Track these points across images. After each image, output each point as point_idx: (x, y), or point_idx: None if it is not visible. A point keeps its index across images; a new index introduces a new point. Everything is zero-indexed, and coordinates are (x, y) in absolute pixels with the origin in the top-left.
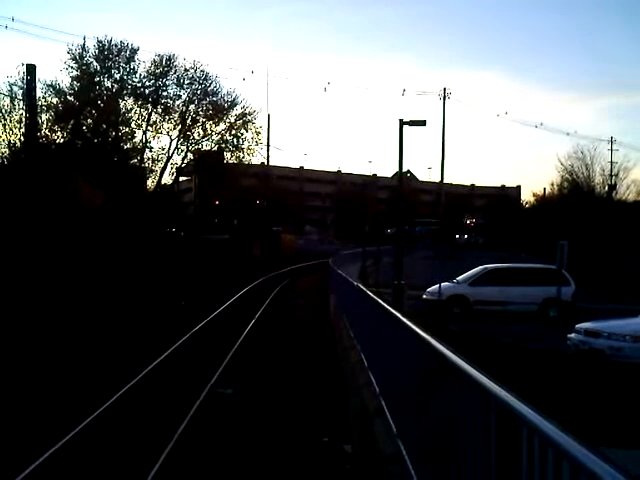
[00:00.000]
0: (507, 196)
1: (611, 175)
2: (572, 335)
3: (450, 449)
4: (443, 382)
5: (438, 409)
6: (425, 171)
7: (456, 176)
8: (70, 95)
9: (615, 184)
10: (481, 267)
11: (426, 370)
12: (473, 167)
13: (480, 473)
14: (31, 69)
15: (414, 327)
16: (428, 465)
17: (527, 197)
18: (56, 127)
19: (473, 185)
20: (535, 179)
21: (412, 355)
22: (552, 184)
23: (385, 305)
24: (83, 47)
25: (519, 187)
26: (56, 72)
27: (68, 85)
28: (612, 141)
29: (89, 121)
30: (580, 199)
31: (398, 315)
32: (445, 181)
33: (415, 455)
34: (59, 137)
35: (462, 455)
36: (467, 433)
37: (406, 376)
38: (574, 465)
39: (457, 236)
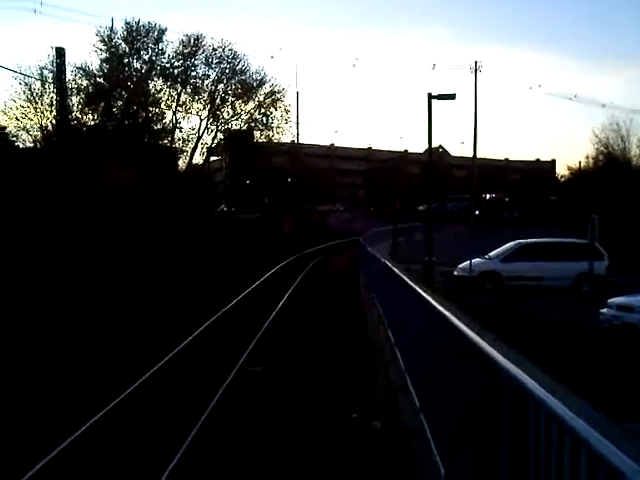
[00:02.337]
0: (542, 170)
1: None
2: (604, 310)
3: (466, 422)
4: (460, 357)
5: (455, 384)
6: (458, 146)
7: (490, 150)
8: (100, 77)
9: None
10: (514, 242)
11: (444, 345)
12: (507, 141)
13: (492, 444)
14: (61, 52)
15: (432, 300)
16: (446, 438)
17: (562, 171)
18: (87, 109)
19: (507, 159)
20: (570, 152)
21: (432, 330)
22: (587, 157)
23: (408, 280)
24: (111, 29)
25: (554, 161)
26: (85, 55)
27: (97, 67)
28: None
29: (119, 103)
30: (616, 172)
31: (418, 289)
32: (478, 156)
33: (435, 428)
34: (90, 119)
35: (476, 428)
36: (481, 407)
37: (427, 351)
38: (576, 441)
39: (477, 212)
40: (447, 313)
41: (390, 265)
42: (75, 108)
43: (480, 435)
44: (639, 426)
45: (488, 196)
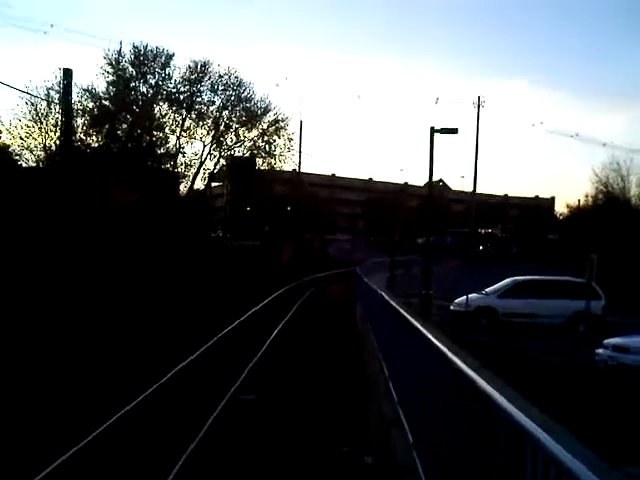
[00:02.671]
0: (540, 207)
1: None
2: (600, 350)
3: (460, 460)
4: (457, 394)
5: (450, 420)
6: (458, 180)
7: (489, 186)
8: (106, 100)
9: None
10: (510, 279)
11: (440, 381)
12: (507, 177)
13: None
14: (68, 73)
15: (428, 335)
16: (439, 475)
17: (561, 208)
18: (91, 131)
19: (506, 195)
20: (570, 190)
21: (428, 365)
22: (586, 195)
23: (405, 314)
24: (119, 52)
25: (553, 198)
26: (92, 77)
27: (104, 90)
28: None
29: (124, 126)
30: (615, 211)
31: (415, 323)
32: (478, 191)
33: (428, 465)
34: (94, 141)
35: (470, 467)
36: (476, 445)
37: (422, 386)
38: None
39: (481, 247)
40: (444, 349)
41: (387, 298)
42: (80, 129)
43: (475, 474)
44: (637, 470)
45: (483, 231)
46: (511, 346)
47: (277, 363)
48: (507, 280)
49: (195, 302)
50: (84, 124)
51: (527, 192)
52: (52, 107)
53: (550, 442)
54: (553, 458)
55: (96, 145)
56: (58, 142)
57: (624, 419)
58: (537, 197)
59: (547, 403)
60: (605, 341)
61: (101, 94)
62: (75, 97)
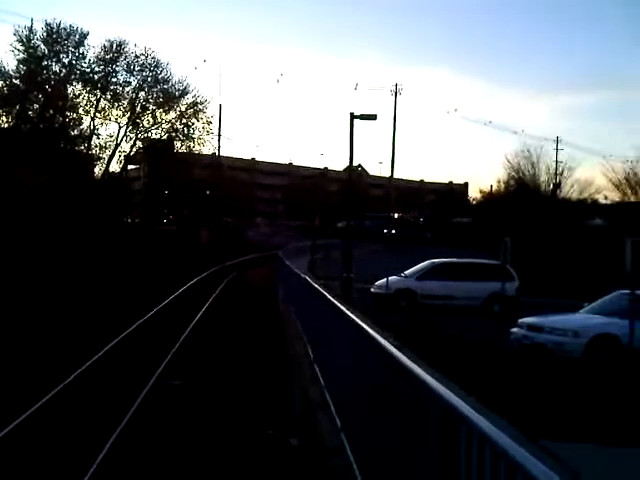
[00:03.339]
0: (454, 192)
1: (556, 174)
2: (515, 330)
3: (389, 443)
4: (385, 376)
5: (378, 402)
6: (376, 166)
7: (406, 171)
8: (16, 79)
9: (560, 183)
10: (428, 262)
11: (367, 363)
12: (423, 163)
13: (419, 465)
14: None
15: (354, 318)
16: (368, 457)
17: (474, 194)
18: (0, 111)
19: (422, 181)
20: (483, 176)
21: (353, 347)
22: (499, 181)
23: (329, 297)
24: (30, 29)
25: (466, 184)
26: (1, 54)
27: (14, 68)
28: (557, 141)
29: (35, 106)
30: (525, 196)
31: (340, 306)
32: (395, 176)
33: (357, 448)
34: (3, 122)
35: (401, 449)
36: (407, 427)
37: (349, 369)
38: (510, 463)
39: (385, 230)
40: (371, 330)
41: (310, 280)
42: None
43: (405, 455)
44: (554, 444)
45: (397, 215)
46: (429, 326)
47: (201, 347)
48: (425, 263)
49: (111, 288)
50: None
51: (442, 178)
52: None
53: (485, 424)
54: (489, 439)
55: (5, 125)
56: None
57: (537, 395)
58: (451, 183)
59: (464, 382)
60: (520, 320)
61: (11, 72)
62: None
